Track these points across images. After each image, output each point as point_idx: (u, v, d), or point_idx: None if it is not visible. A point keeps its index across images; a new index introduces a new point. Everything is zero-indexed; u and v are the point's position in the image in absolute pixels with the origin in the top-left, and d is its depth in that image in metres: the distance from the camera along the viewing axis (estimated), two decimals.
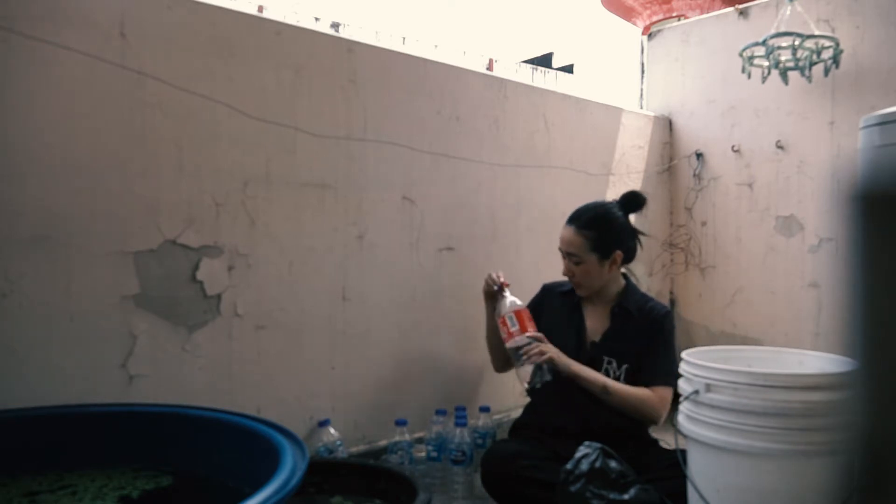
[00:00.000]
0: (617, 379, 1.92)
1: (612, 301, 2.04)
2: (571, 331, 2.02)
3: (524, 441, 1.94)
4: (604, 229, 2.00)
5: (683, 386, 1.69)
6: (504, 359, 2.08)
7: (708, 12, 3.85)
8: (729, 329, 3.09)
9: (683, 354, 1.74)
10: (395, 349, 2.20)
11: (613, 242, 2.00)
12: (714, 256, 3.15)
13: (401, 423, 2.05)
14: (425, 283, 2.28)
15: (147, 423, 1.43)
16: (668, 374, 1.91)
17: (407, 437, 2.04)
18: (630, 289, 2.07)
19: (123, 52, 1.63)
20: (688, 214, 3.24)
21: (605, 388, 1.89)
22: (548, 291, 2.17)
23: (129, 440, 1.40)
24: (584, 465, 1.61)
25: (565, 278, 2.07)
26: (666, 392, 1.92)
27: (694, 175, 3.21)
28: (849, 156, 2.63)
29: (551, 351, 1.89)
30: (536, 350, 1.87)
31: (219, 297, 1.79)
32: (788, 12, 2.70)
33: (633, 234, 2.09)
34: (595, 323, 2.03)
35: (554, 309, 2.09)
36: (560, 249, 2.03)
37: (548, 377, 1.87)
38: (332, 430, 1.95)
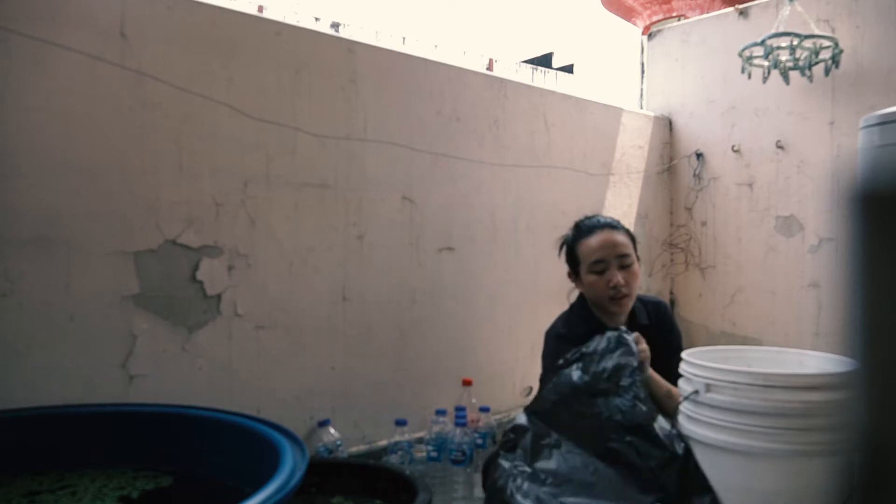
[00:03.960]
0: None
1: (626, 322, 1.90)
2: None
3: None
4: (629, 232, 1.92)
5: (683, 386, 1.69)
6: None
7: (708, 12, 3.85)
8: (729, 329, 3.09)
9: (683, 354, 1.74)
10: (395, 349, 2.20)
11: (636, 245, 1.93)
12: (714, 256, 3.15)
13: (401, 422, 2.05)
14: (425, 283, 2.28)
15: (147, 423, 1.43)
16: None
17: (406, 437, 2.04)
18: None
19: (123, 52, 1.63)
20: (688, 214, 3.24)
21: (668, 394, 1.76)
22: (562, 342, 1.84)
23: (129, 440, 1.40)
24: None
25: (555, 321, 1.96)
26: None
27: (694, 175, 3.21)
28: (849, 156, 2.63)
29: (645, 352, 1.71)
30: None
31: (219, 297, 1.79)
32: (788, 12, 2.70)
33: None
34: None
35: None
36: (601, 260, 1.82)
37: None
38: (331, 430, 1.95)
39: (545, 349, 1.94)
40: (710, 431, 1.56)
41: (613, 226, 1.88)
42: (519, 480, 1.41)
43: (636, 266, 1.86)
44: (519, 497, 1.37)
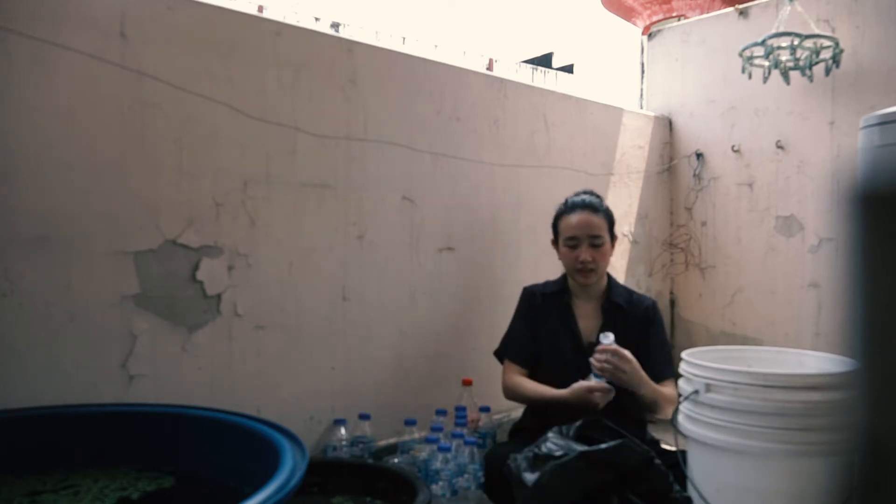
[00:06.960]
0: None
1: (601, 297, 2.05)
2: (566, 334, 2.01)
3: (523, 444, 1.94)
4: (608, 213, 2.07)
5: (683, 386, 1.69)
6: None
7: (708, 12, 3.85)
8: (729, 329, 3.09)
9: (683, 354, 1.74)
10: (395, 349, 2.20)
11: (613, 226, 2.07)
12: (714, 256, 3.15)
13: (410, 422, 2.04)
14: (425, 283, 2.28)
15: (147, 423, 1.43)
16: (669, 364, 1.97)
17: (406, 437, 2.04)
18: (613, 282, 2.10)
19: (123, 52, 1.63)
20: (688, 214, 3.24)
21: (654, 401, 1.86)
22: (533, 296, 2.09)
23: (130, 440, 1.40)
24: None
25: (542, 281, 2.12)
26: (673, 386, 1.93)
27: (694, 175, 3.21)
28: (849, 156, 2.63)
29: (627, 368, 1.81)
30: (611, 367, 1.80)
31: (219, 297, 1.79)
32: (788, 12, 2.70)
33: None
34: (587, 322, 2.02)
35: (544, 313, 2.06)
36: (574, 237, 1.99)
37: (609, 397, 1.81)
38: (343, 431, 1.95)
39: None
40: (710, 431, 1.57)
41: (594, 208, 2.03)
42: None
43: (607, 246, 2.02)
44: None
